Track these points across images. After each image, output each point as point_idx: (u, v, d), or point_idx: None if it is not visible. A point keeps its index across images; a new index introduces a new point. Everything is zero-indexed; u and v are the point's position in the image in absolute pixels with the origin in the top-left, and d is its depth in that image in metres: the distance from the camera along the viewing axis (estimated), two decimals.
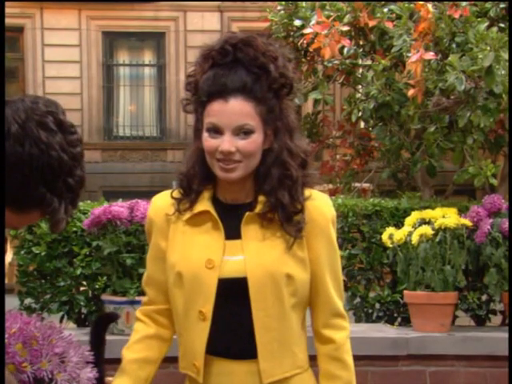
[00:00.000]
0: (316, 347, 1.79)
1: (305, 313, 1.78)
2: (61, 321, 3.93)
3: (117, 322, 3.59)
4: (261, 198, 1.71)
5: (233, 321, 1.70)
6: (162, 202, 1.80)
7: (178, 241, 1.75)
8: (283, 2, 5.25)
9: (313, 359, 1.80)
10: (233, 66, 1.66)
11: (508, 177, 4.69)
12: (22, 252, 3.87)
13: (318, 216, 1.73)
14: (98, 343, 1.79)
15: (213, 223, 1.73)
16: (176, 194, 1.77)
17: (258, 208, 1.71)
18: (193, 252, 1.72)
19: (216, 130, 1.67)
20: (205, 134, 1.69)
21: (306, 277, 1.72)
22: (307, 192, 1.74)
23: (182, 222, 1.75)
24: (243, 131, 1.66)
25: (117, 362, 3.52)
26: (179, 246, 1.74)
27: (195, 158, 1.75)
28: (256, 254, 1.69)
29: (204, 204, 1.73)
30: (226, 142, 1.65)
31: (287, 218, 1.70)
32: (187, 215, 1.74)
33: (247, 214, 1.71)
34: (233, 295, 1.69)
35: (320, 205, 1.75)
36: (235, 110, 1.65)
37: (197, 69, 1.70)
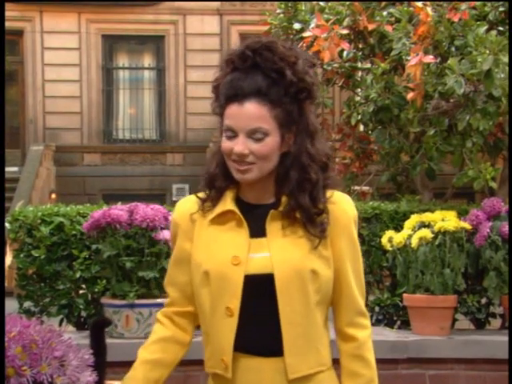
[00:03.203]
0: (338, 345, 1.81)
1: (327, 311, 1.80)
2: (60, 324, 3.92)
3: (116, 325, 3.60)
4: (283, 199, 1.75)
5: (259, 317, 1.72)
6: (187, 205, 1.84)
7: (203, 241, 1.78)
8: (282, 6, 5.25)
9: (335, 362, 1.81)
10: (251, 70, 1.70)
11: (508, 179, 4.69)
12: (22, 255, 3.87)
13: (340, 215, 1.76)
14: (99, 348, 1.79)
15: (237, 222, 1.76)
16: (201, 194, 1.82)
17: (281, 207, 1.75)
18: (218, 250, 1.75)
19: (232, 132, 1.71)
20: (223, 136, 1.74)
21: (330, 274, 1.75)
22: (329, 193, 1.77)
23: (206, 222, 1.79)
24: (257, 134, 1.70)
25: (117, 365, 3.51)
26: (204, 246, 1.77)
27: (218, 158, 1.79)
28: (282, 251, 1.73)
29: (227, 204, 1.77)
30: (240, 144, 1.70)
31: (310, 220, 1.73)
32: (211, 215, 1.78)
33: (272, 211, 1.75)
34: (259, 292, 1.72)
35: (342, 205, 1.78)
36: (249, 113, 1.69)
37: (220, 73, 1.76)
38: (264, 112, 1.69)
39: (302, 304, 1.71)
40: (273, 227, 1.75)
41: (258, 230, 1.75)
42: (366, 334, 1.81)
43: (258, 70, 1.70)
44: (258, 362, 1.73)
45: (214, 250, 1.75)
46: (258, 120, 1.69)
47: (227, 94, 1.71)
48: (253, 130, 1.69)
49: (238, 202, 1.78)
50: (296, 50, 1.76)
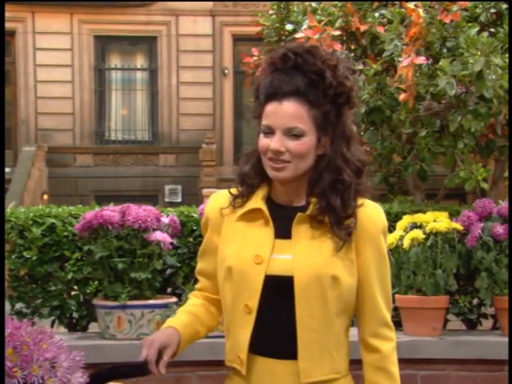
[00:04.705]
0: (362, 355, 1.82)
1: (350, 321, 1.81)
2: (52, 325, 3.91)
3: (108, 326, 3.59)
4: (313, 200, 1.77)
5: (277, 318, 1.74)
6: (219, 199, 1.87)
7: (230, 236, 1.81)
8: (275, 7, 5.26)
9: (357, 363, 1.81)
10: (291, 71, 1.73)
11: (508, 179, 4.71)
12: (13, 256, 3.86)
13: (368, 224, 1.77)
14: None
15: (264, 221, 1.78)
16: (234, 190, 1.85)
17: (310, 210, 1.76)
18: (242, 247, 1.77)
19: (269, 130, 1.74)
20: (260, 135, 1.76)
21: (353, 282, 1.76)
22: (360, 200, 1.78)
23: (235, 217, 1.82)
24: (293, 133, 1.72)
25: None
26: (230, 242, 1.80)
27: (253, 158, 1.83)
28: (304, 255, 1.74)
29: (257, 202, 1.80)
30: (276, 142, 1.72)
31: (337, 222, 1.74)
32: (240, 211, 1.81)
33: (299, 214, 1.76)
34: (278, 293, 1.74)
35: (372, 213, 1.79)
36: (287, 111, 1.72)
37: (261, 74, 1.80)
38: (302, 112, 1.71)
39: (319, 310, 1.72)
40: (299, 230, 1.76)
41: (283, 232, 1.76)
42: (391, 347, 1.82)
43: (299, 71, 1.73)
44: (273, 365, 1.74)
45: (239, 246, 1.78)
46: (295, 119, 1.71)
47: (267, 93, 1.74)
48: (290, 128, 1.72)
49: (269, 201, 1.81)
50: (337, 56, 1.79)
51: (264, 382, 1.75)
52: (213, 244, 1.85)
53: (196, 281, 1.97)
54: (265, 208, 1.78)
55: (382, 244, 1.79)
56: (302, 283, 1.71)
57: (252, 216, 1.80)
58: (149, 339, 1.75)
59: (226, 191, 1.87)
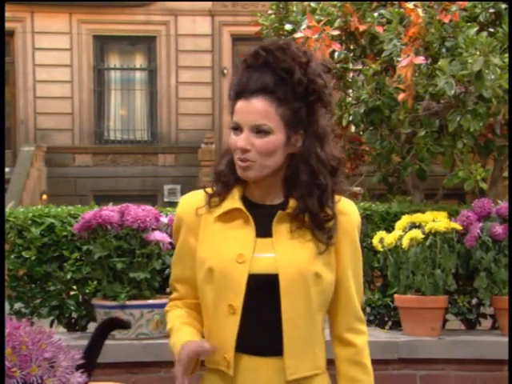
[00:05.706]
0: (335, 351, 1.82)
1: (325, 316, 1.81)
2: (51, 325, 3.91)
3: None
4: (291, 202, 1.76)
5: (261, 316, 1.73)
6: (192, 200, 1.84)
7: (209, 237, 1.78)
8: (274, 7, 5.26)
9: (329, 363, 1.81)
10: (261, 68, 1.72)
11: (508, 178, 4.71)
12: (12, 256, 3.86)
13: (345, 221, 1.78)
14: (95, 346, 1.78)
15: (244, 220, 1.77)
16: (208, 189, 1.82)
17: (290, 209, 1.75)
18: (224, 247, 1.75)
19: (237, 128, 1.73)
20: (230, 133, 1.75)
21: (332, 278, 1.77)
22: (336, 198, 1.78)
23: (212, 218, 1.79)
24: (261, 130, 1.70)
25: (108, 366, 3.50)
26: (210, 243, 1.77)
27: (228, 156, 1.80)
28: (287, 253, 1.73)
29: (234, 202, 1.78)
30: (242, 140, 1.71)
31: (318, 225, 1.74)
32: (218, 212, 1.78)
33: (279, 212, 1.75)
34: (262, 291, 1.73)
35: (347, 210, 1.80)
36: (254, 108, 1.70)
37: (235, 73, 1.78)
38: (269, 109, 1.70)
39: (304, 306, 1.72)
40: (279, 228, 1.75)
41: (263, 230, 1.75)
42: (364, 340, 1.82)
43: (268, 68, 1.71)
44: (257, 362, 1.74)
45: (219, 246, 1.75)
46: (262, 116, 1.70)
47: (236, 91, 1.73)
48: (256, 126, 1.70)
49: (244, 200, 1.79)
50: (310, 54, 1.77)
51: (248, 380, 1.74)
52: (189, 246, 1.80)
53: (171, 291, 1.89)
54: (243, 207, 1.76)
55: (356, 239, 1.81)
56: (287, 281, 1.71)
57: (230, 216, 1.77)
58: (183, 352, 1.68)
59: (198, 191, 1.84)
